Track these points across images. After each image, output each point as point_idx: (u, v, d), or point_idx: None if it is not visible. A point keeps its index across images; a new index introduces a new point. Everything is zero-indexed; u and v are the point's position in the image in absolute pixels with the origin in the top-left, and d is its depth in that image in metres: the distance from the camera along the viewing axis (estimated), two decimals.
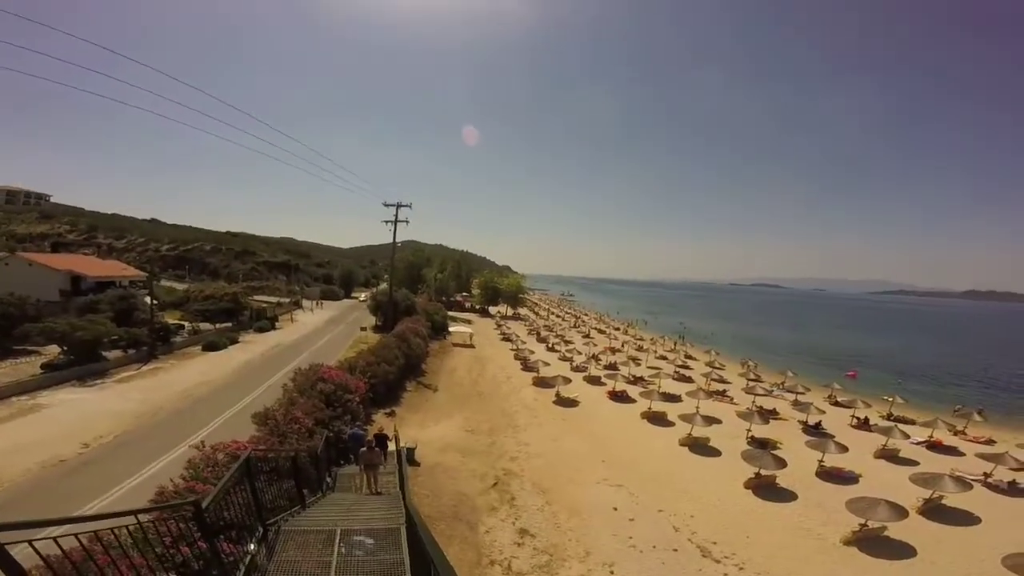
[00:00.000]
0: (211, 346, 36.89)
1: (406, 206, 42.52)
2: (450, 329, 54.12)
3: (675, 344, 62.69)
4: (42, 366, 26.79)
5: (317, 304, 71.82)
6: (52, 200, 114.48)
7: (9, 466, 15.74)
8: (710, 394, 34.22)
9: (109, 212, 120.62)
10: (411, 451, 19.07)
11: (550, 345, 52.97)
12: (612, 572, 13.29)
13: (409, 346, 34.14)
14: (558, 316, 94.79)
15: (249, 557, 5.70)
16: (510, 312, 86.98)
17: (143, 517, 4.13)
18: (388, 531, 7.06)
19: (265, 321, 48.49)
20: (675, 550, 14.54)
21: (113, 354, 30.76)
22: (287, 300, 67.02)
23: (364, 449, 12.99)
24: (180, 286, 60.25)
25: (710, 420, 26.64)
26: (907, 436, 25.80)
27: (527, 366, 40.09)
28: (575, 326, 77.47)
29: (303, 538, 6.71)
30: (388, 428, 21.67)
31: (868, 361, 64.34)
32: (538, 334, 60.37)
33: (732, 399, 34.62)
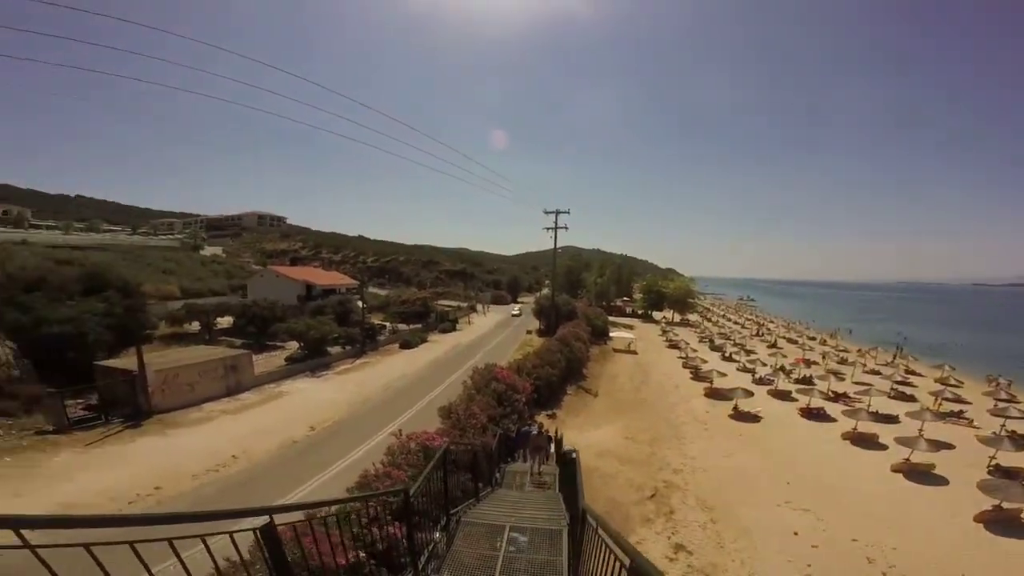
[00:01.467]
0: (407, 344, 42.76)
1: (565, 212, 43.46)
2: (611, 334, 53.33)
3: (894, 356, 51.82)
4: (286, 359, 33.80)
5: (488, 308, 77.66)
6: (288, 222, 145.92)
7: (258, 444, 19.53)
8: (940, 415, 27.93)
9: (328, 231, 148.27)
10: (569, 453, 19.17)
11: (726, 354, 48.65)
12: None
13: (571, 350, 34.63)
14: (736, 323, 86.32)
15: (432, 544, 6.20)
16: (677, 318, 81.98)
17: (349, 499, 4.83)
18: (549, 532, 7.22)
19: (448, 323, 54.66)
20: None
21: (334, 350, 37.32)
22: (465, 304, 74.01)
23: (535, 433, 14.18)
24: (382, 292, 71.65)
25: (938, 445, 21.81)
26: None
27: (698, 375, 37.50)
28: (758, 334, 69.78)
29: (476, 530, 7.15)
30: (549, 430, 22.18)
31: None
32: (711, 342, 55.97)
33: (972, 422, 28.23)
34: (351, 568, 4.51)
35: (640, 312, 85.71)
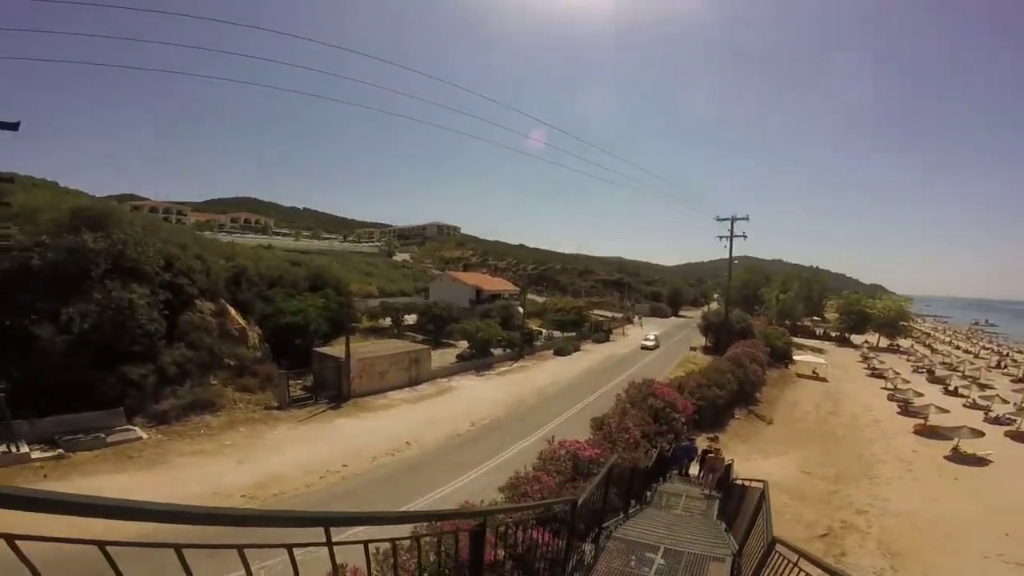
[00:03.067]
0: (561, 351, 43.55)
1: (742, 219, 39.56)
2: (795, 357, 46.99)
3: None
4: (456, 356, 37.16)
5: (642, 320, 74.78)
6: (461, 231, 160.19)
7: (428, 434, 21.55)
8: None
9: (492, 239, 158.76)
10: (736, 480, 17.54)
11: (950, 388, 39.83)
12: None
13: (743, 371, 31.50)
14: (968, 351, 68.97)
15: (582, 555, 6.30)
16: (884, 343, 68.23)
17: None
18: (708, 559, 6.78)
19: (602, 333, 54.13)
20: None
21: (497, 351, 39.65)
22: (620, 315, 72.47)
23: (711, 455, 14.08)
24: (540, 299, 74.20)
25: None
26: None
27: (907, 410, 31.81)
28: (998, 365, 55.58)
29: (626, 547, 7.06)
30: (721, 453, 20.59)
31: None
32: (930, 372, 46.30)
33: None
34: (491, 567, 4.73)
35: (835, 334, 73.79)
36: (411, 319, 45.22)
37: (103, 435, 17.24)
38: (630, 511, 9.53)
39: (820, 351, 56.17)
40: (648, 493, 13.00)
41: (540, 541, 5.40)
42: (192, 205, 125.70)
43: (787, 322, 71.15)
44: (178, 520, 1.33)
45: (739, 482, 13.56)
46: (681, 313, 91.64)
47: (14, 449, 15.57)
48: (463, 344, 39.19)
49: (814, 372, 42.92)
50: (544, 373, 35.91)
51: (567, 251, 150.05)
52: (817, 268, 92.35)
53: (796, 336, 64.31)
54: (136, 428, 18.31)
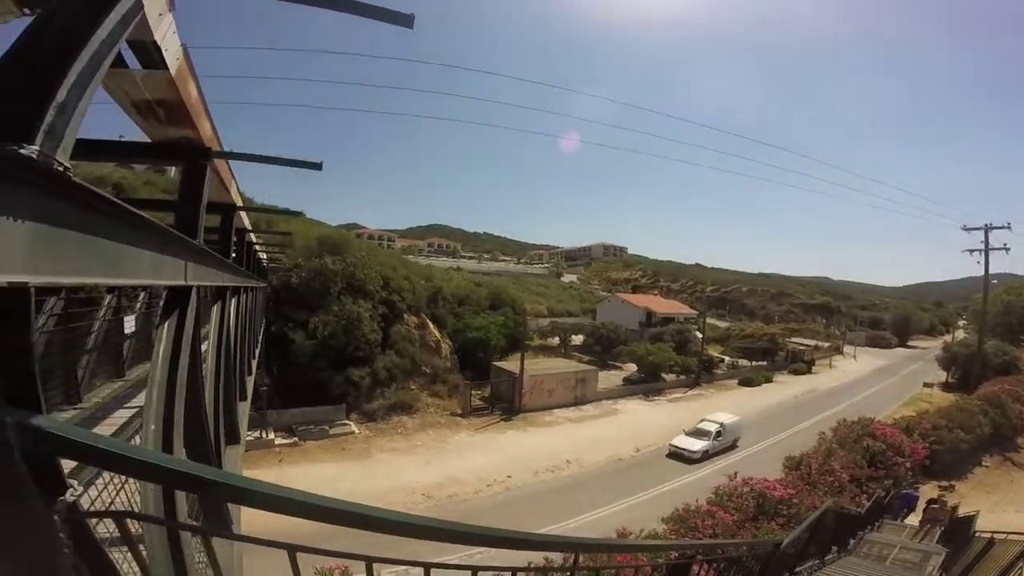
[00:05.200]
0: (747, 382, 39.41)
1: (1001, 228, 30.84)
2: None
3: None
4: (623, 379, 36.35)
5: (856, 351, 62.55)
6: (628, 251, 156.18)
7: (589, 454, 21.49)
8: None
9: (665, 259, 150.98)
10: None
11: None
12: None
13: (1003, 412, 25.37)
14: None
15: None
16: None
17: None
18: None
19: (801, 364, 47.58)
20: None
21: (669, 377, 37.84)
22: (826, 344, 62.10)
23: (935, 505, 13.00)
24: (722, 324, 67.95)
25: None
26: None
27: None
28: None
29: None
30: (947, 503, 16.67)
31: None
32: None
33: None
34: None
35: None
36: (578, 339, 45.85)
37: (327, 427, 21.28)
38: (827, 558, 8.35)
39: None
40: (852, 540, 11.43)
41: None
42: (397, 232, 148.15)
43: None
44: (437, 537, 1.51)
45: (983, 535, 11.16)
46: (911, 343, 74.90)
47: (264, 435, 19.71)
48: (631, 367, 38.24)
49: None
50: (724, 403, 32.72)
51: (754, 271, 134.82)
52: None
53: None
54: (351, 423, 22.16)
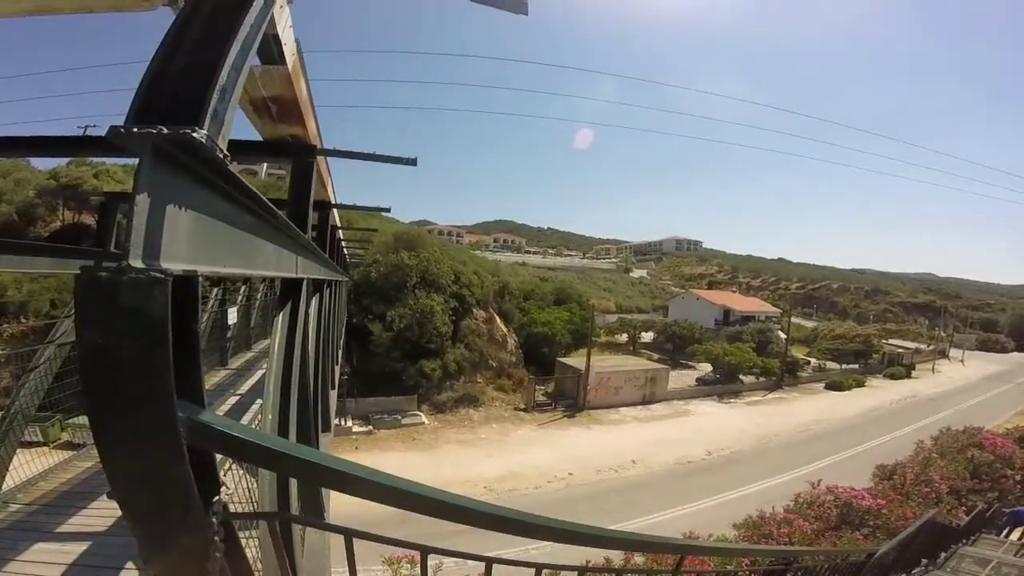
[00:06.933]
0: (835, 386, 36.46)
1: None
2: None
3: None
4: (696, 379, 34.75)
5: (963, 356, 56.10)
6: (704, 245, 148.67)
7: (655, 455, 20.78)
8: None
9: (744, 254, 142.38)
10: None
11: None
12: None
13: None
14: None
15: None
16: None
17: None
18: None
19: (899, 368, 43.43)
20: None
21: (747, 379, 35.75)
22: (928, 347, 56.04)
23: None
24: (808, 323, 63.14)
25: None
26: None
27: None
28: None
29: None
30: None
31: None
32: None
33: None
34: None
35: None
36: (648, 337, 44.49)
37: (400, 417, 22.18)
38: (914, 571, 8.00)
39: None
40: (943, 554, 10.47)
41: None
42: (466, 227, 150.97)
43: None
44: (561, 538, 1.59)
45: None
46: None
47: (344, 423, 20.58)
48: (705, 367, 36.56)
49: None
50: (808, 408, 30.56)
51: (847, 266, 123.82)
52: None
53: None
54: (421, 414, 22.96)
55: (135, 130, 1.02)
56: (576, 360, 29.13)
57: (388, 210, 9.40)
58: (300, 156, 3.95)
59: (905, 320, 75.05)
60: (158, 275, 0.93)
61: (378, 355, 23.42)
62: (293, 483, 2.78)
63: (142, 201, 0.98)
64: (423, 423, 22.49)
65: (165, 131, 1.02)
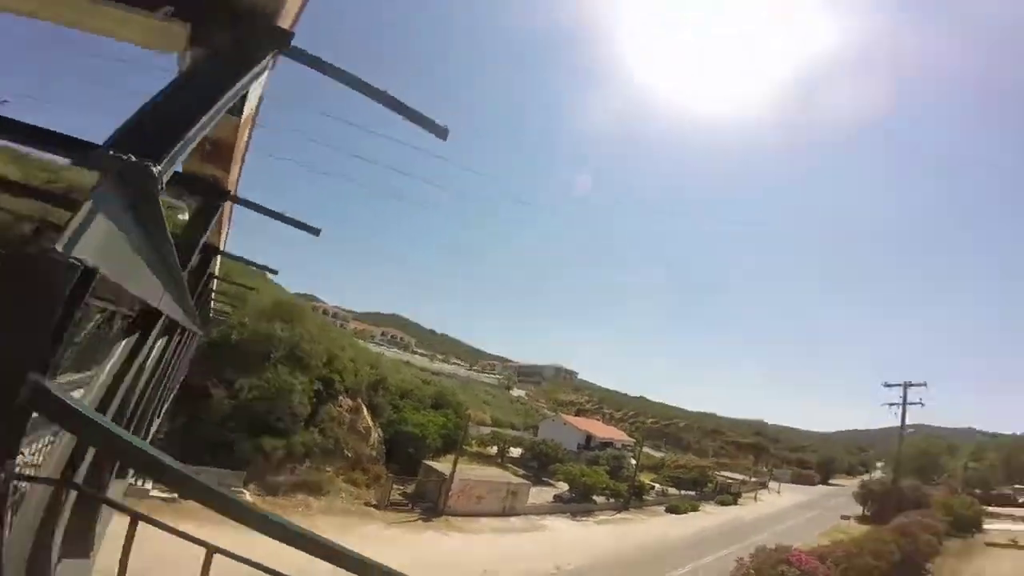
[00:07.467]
0: (674, 509, 39.61)
1: (918, 385, 35.33)
2: (985, 527, 37.86)
3: None
4: (554, 496, 35.47)
5: (779, 488, 65.65)
6: (579, 376, 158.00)
7: (507, 568, 20.61)
8: None
9: (613, 388, 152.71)
10: None
11: None
12: None
13: (913, 541, 27.01)
14: None
15: None
16: None
17: None
18: None
19: (728, 495, 48.85)
20: None
21: (599, 499, 37.13)
22: (752, 479, 64.21)
23: None
24: (657, 454, 68.59)
25: None
26: None
27: None
28: None
29: None
30: None
31: None
32: None
33: None
34: None
35: None
36: (516, 452, 45.34)
37: None
38: None
39: None
40: None
41: None
42: (354, 313, 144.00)
43: (977, 491, 57.04)
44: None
45: None
46: (832, 482, 79.64)
47: (141, 483, 16.48)
48: (564, 486, 37.75)
49: (1013, 541, 33.74)
50: (650, 528, 32.61)
51: (694, 408, 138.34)
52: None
53: (989, 505, 51.50)
54: (247, 492, 20.58)
55: (110, 153, 1.20)
56: (443, 465, 28.68)
57: (276, 272, 9.38)
58: (212, 197, 4.08)
59: (736, 456, 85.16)
60: (74, 261, 1.08)
61: (210, 423, 21.29)
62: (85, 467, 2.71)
63: (86, 207, 1.12)
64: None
65: (133, 159, 1.20)
